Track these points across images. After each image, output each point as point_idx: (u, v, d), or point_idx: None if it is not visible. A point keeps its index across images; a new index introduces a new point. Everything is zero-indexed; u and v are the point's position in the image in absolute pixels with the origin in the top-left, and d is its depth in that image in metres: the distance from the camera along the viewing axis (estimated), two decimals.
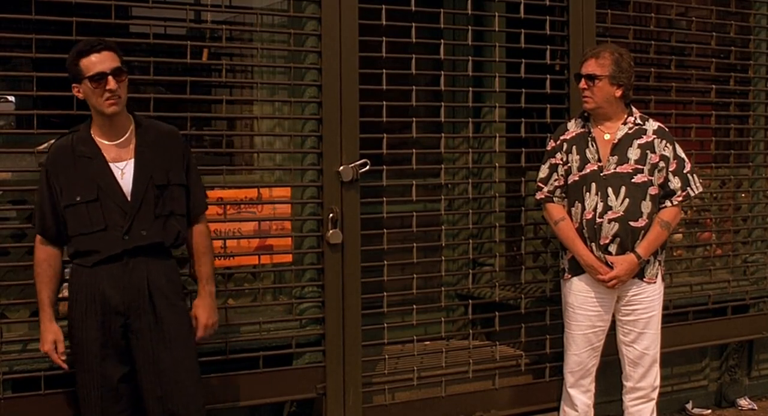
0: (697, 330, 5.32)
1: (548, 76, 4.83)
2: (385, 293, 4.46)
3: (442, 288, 4.75)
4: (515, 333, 4.82)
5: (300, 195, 4.31)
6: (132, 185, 3.20)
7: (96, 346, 3.25)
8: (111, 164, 3.20)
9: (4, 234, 3.86)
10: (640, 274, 4.16)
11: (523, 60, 4.74)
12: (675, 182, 4.16)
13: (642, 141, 4.14)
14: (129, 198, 3.20)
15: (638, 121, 4.16)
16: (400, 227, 4.66)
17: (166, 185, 3.29)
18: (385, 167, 4.38)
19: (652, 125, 4.19)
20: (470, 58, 4.64)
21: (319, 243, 4.28)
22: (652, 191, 4.12)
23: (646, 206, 4.09)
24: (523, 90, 4.71)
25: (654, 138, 4.14)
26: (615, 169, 4.10)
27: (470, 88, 4.73)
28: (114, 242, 3.18)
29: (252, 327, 4.20)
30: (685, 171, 4.17)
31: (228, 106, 4.22)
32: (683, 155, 4.17)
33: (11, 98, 4.23)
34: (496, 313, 4.76)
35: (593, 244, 4.10)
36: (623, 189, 4.09)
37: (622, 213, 4.07)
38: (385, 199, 4.40)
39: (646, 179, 4.09)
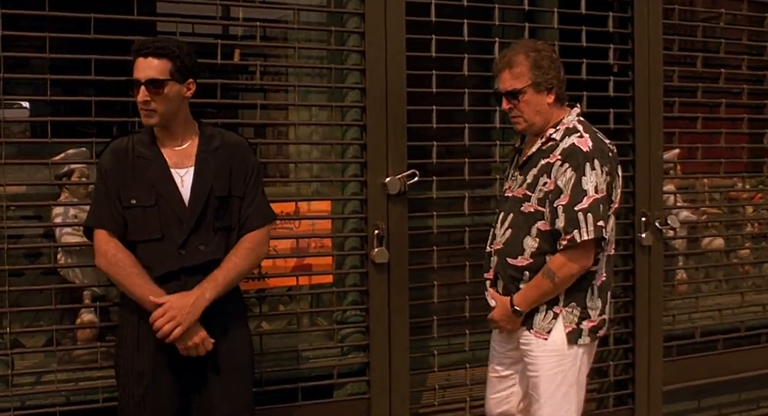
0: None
1: (611, 78, 4.49)
2: (435, 318, 4.14)
3: None
4: None
5: (341, 210, 4.05)
6: (191, 193, 2.99)
7: (146, 378, 3.00)
8: (172, 170, 3.00)
9: (17, 254, 3.67)
10: (528, 322, 3.35)
11: (585, 60, 4.38)
12: (561, 221, 3.20)
13: (545, 161, 3.30)
14: (187, 207, 2.99)
15: (556, 135, 3.31)
16: (450, 243, 4.33)
17: (227, 196, 3.07)
18: (435, 177, 4.07)
19: (568, 141, 3.26)
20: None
21: (362, 262, 4.00)
22: (542, 226, 3.28)
23: (531, 243, 3.30)
24: (585, 93, 4.33)
25: (557, 159, 3.24)
26: (515, 191, 3.41)
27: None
28: (170, 256, 2.97)
29: (289, 354, 3.94)
30: (577, 208, 3.15)
31: (262, 111, 3.91)
32: (588, 187, 3.16)
33: (25, 104, 3.88)
34: None
35: (485, 275, 3.51)
36: (510, 217, 3.39)
37: (501, 246, 3.39)
38: (434, 213, 4.08)
39: (533, 210, 3.30)
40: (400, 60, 3.95)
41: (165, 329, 2.92)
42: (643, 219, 4.50)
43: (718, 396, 4.96)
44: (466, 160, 4.13)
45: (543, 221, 3.26)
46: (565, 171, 3.19)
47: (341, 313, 4.10)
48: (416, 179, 3.94)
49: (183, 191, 3.02)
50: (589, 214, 3.15)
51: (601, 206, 3.16)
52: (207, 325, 3.00)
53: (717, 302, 5.07)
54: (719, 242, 5.29)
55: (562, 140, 3.26)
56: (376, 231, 3.91)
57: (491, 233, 3.46)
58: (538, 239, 3.27)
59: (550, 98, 3.29)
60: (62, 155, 3.71)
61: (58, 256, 3.71)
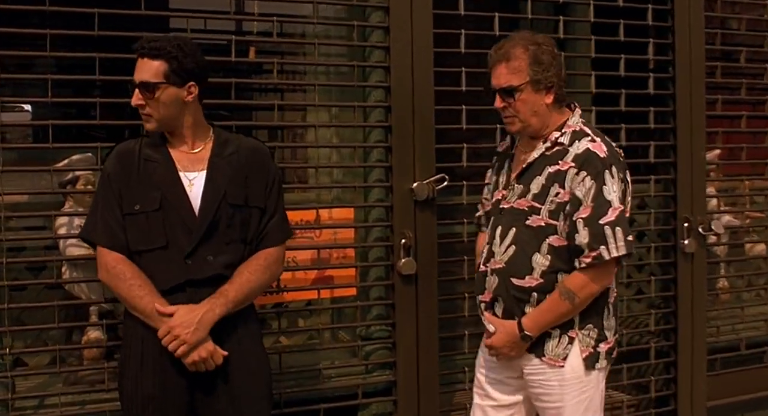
0: None
1: (651, 74, 4.28)
2: (466, 332, 3.90)
3: None
4: (616, 373, 4.17)
5: (365, 217, 3.86)
6: (201, 199, 2.82)
7: (153, 404, 2.80)
8: (180, 173, 2.84)
9: (18, 268, 3.53)
10: (537, 349, 3.01)
11: (623, 55, 4.16)
12: (582, 236, 2.87)
13: (554, 169, 2.96)
14: (197, 214, 2.82)
15: (564, 139, 2.99)
16: None
17: (243, 205, 2.88)
18: (465, 182, 3.85)
19: (580, 145, 2.94)
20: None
21: (388, 274, 3.78)
22: (554, 241, 2.94)
23: (541, 261, 2.96)
24: (623, 91, 4.14)
25: (570, 167, 2.91)
26: (514, 202, 3.05)
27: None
28: (175, 266, 2.78)
29: (310, 373, 3.75)
30: (602, 221, 2.85)
31: (279, 112, 3.71)
32: (612, 198, 2.86)
33: (27, 107, 3.68)
34: None
35: (479, 298, 3.17)
36: (512, 232, 3.02)
37: (503, 265, 3.03)
38: (465, 220, 3.83)
39: (543, 224, 2.95)
40: (428, 57, 3.73)
41: (170, 348, 2.74)
42: (686, 225, 4.30)
43: (764, 411, 4.76)
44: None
45: (556, 236, 2.94)
46: (584, 180, 2.88)
47: (365, 328, 3.88)
48: (445, 183, 3.73)
49: (192, 196, 2.83)
50: (618, 228, 2.86)
51: (626, 217, 2.91)
52: (217, 342, 2.80)
53: (761, 311, 4.87)
54: (761, 247, 5.06)
55: (571, 144, 2.95)
56: (403, 240, 3.69)
57: (485, 250, 3.11)
58: (549, 257, 2.95)
59: (549, 98, 2.98)
60: (66, 161, 3.54)
61: (63, 269, 3.53)
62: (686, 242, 4.29)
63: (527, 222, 2.97)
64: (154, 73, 2.77)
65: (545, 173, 2.95)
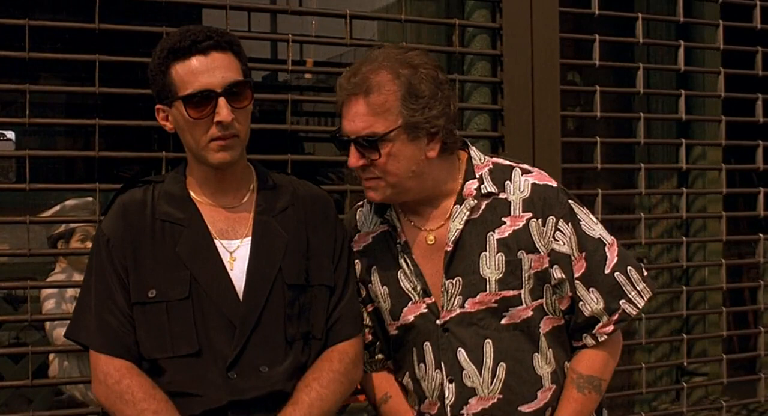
0: None
1: None
2: None
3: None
4: None
5: None
6: (246, 281, 2.09)
7: None
8: (216, 241, 2.12)
9: None
10: None
11: (759, 48, 3.54)
12: (592, 301, 2.15)
13: (504, 231, 2.13)
14: (241, 303, 2.10)
15: (488, 186, 2.14)
16: None
17: (305, 285, 2.14)
18: None
19: (521, 184, 2.16)
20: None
21: None
22: (547, 325, 2.17)
23: (544, 362, 2.17)
24: (759, 95, 3.53)
25: (529, 219, 2.13)
26: (463, 307, 2.14)
27: (682, 92, 3.46)
28: (212, 383, 2.08)
29: None
30: (607, 270, 2.15)
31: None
32: (599, 232, 2.17)
33: (9, 135, 2.93)
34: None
35: None
36: (488, 346, 2.14)
37: (498, 397, 2.15)
38: None
39: (530, 313, 2.13)
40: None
41: None
42: None
43: None
44: (600, 191, 3.27)
45: (547, 318, 2.15)
46: (558, 227, 2.12)
47: None
48: None
49: (235, 277, 2.09)
50: (630, 268, 2.16)
51: (626, 249, 2.26)
52: None
53: None
54: None
55: (502, 189, 2.14)
56: None
57: (440, 393, 2.16)
58: (551, 349, 2.17)
59: (433, 150, 2.06)
60: (57, 207, 3.06)
61: (50, 358, 3.00)
62: None
63: (504, 322, 2.12)
64: (240, 70, 2.09)
65: (492, 245, 2.11)
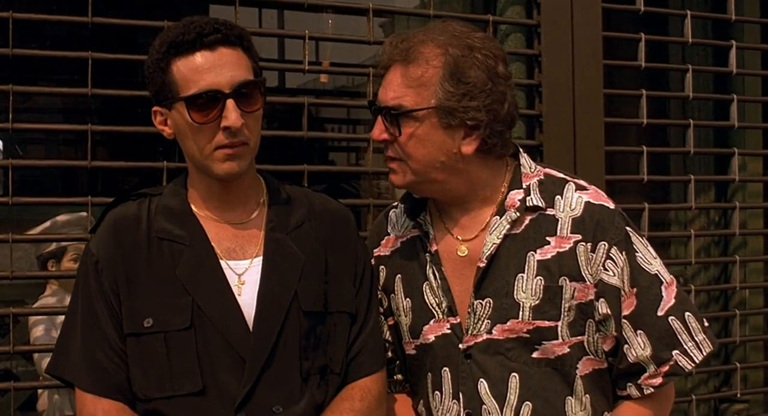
0: None
1: None
2: None
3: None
4: None
5: None
6: (257, 308, 1.90)
7: None
8: (222, 262, 1.93)
9: None
10: None
11: None
12: (639, 346, 1.87)
13: (547, 252, 1.87)
14: (251, 334, 1.91)
15: (534, 198, 1.88)
16: None
17: (323, 312, 1.93)
18: None
19: (572, 202, 1.89)
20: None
21: None
22: (587, 366, 1.90)
23: (579, 408, 1.90)
24: None
25: (577, 242, 1.85)
26: (490, 333, 1.89)
27: (734, 96, 3.29)
28: None
29: None
30: (661, 312, 1.87)
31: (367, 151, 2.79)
32: (655, 267, 1.88)
33: None
34: None
35: None
36: (515, 380, 1.90)
37: None
38: None
39: (567, 350, 1.88)
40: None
41: None
42: None
43: None
44: (646, 206, 3.06)
45: (588, 358, 1.89)
46: (611, 254, 1.84)
47: None
48: None
49: (243, 303, 1.89)
50: (688, 314, 1.88)
51: (686, 293, 1.99)
52: None
53: None
54: None
55: (551, 204, 1.88)
56: None
57: None
58: (589, 395, 1.90)
59: (469, 146, 1.81)
60: (47, 223, 2.94)
61: (39, 394, 2.87)
62: None
63: (535, 355, 1.87)
64: (250, 68, 1.91)
65: (531, 267, 1.86)
